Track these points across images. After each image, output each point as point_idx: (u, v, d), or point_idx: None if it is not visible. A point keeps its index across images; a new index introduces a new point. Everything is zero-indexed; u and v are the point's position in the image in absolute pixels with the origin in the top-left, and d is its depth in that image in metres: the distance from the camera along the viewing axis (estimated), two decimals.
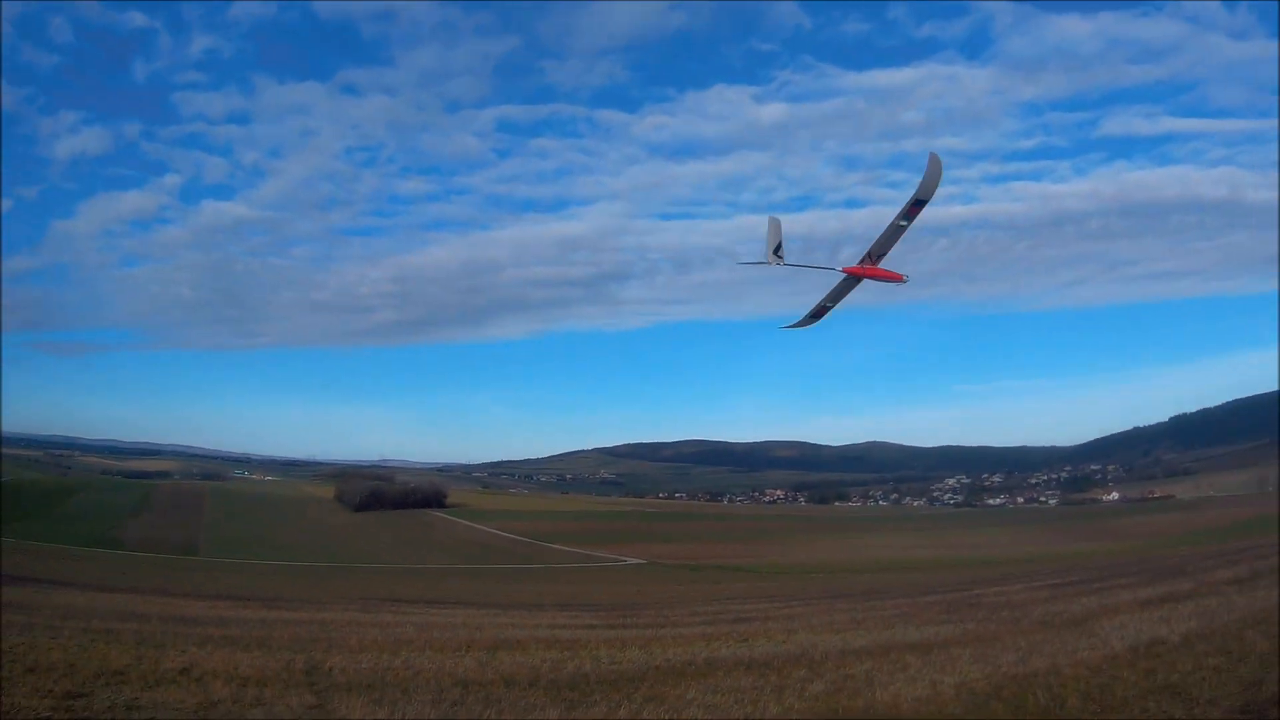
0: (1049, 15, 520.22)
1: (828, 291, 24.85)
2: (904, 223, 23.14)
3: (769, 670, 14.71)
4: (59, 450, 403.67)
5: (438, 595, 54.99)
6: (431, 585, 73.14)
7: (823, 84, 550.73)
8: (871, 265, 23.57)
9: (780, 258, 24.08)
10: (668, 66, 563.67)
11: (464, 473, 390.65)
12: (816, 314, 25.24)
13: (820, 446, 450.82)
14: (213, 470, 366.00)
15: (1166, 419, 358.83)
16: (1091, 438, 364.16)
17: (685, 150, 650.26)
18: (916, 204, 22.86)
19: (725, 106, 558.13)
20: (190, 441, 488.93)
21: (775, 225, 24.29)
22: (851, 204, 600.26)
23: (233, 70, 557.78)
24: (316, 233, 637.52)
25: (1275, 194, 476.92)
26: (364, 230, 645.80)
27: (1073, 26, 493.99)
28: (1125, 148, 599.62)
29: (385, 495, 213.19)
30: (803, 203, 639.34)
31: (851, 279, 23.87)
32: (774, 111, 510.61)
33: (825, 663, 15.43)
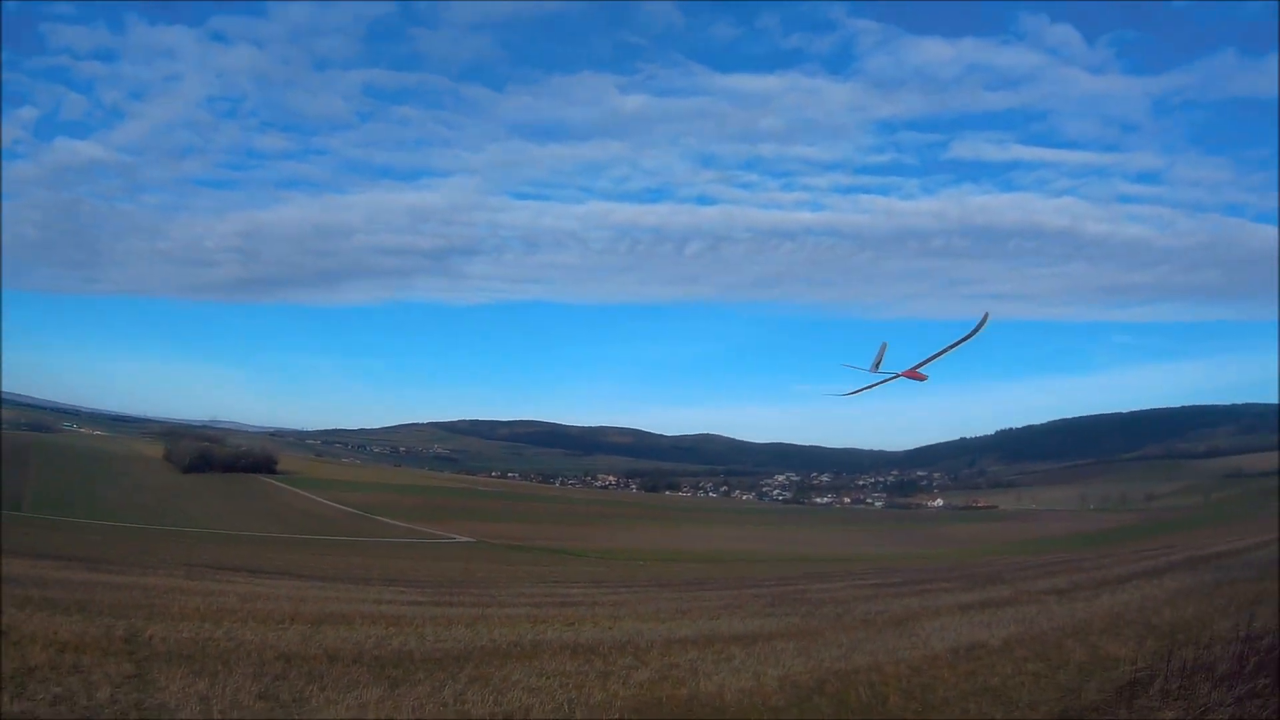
0: (913, 37, 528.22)
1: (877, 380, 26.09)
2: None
3: (594, 655, 14.66)
4: None
5: (264, 564, 53.90)
6: (258, 554, 71.63)
7: (687, 81, 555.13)
8: (912, 370, 25.21)
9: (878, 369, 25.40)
10: (537, 48, 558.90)
11: (297, 439, 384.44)
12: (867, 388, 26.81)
13: (655, 435, 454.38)
14: (41, 421, 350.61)
15: (993, 432, 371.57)
16: (920, 445, 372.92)
17: (546, 133, 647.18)
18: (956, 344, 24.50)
19: (590, 93, 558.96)
20: (21, 390, 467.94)
21: (883, 347, 25.46)
22: (703, 200, 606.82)
23: (105, 6, 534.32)
24: (169, 181, 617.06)
25: (1111, 228, 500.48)
26: (217, 183, 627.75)
27: (934, 50, 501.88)
28: (974, 171, 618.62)
29: (215, 457, 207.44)
30: (656, 195, 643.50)
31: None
32: (637, 103, 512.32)
33: (650, 651, 15.47)
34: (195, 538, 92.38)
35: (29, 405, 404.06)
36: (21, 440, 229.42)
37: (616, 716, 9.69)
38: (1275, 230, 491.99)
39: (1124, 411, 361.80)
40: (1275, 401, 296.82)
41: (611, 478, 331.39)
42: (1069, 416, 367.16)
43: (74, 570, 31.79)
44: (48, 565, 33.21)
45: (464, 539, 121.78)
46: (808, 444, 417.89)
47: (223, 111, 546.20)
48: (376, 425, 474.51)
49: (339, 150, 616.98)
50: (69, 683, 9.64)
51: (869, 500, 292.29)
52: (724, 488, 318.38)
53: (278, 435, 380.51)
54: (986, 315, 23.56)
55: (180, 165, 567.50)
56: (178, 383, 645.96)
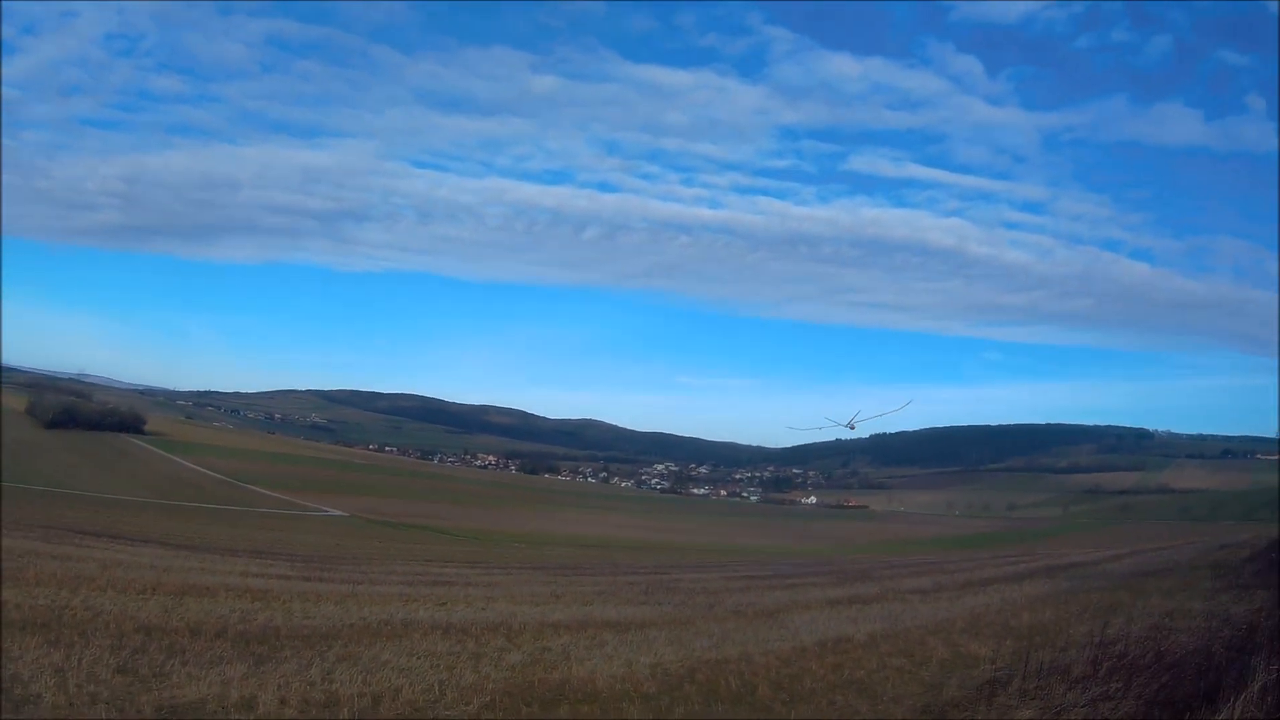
0: (823, 50, 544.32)
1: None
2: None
3: (467, 637, 14.58)
4: None
5: (126, 530, 52.73)
6: (121, 518, 70.08)
7: (599, 68, 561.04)
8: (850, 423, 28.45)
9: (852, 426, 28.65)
10: (452, 17, 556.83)
11: (167, 399, 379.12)
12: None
13: (536, 417, 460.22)
14: None
15: (866, 436, 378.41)
16: (797, 444, 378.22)
17: (451, 103, 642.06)
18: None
19: (501, 69, 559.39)
20: None
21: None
22: (604, 187, 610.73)
23: None
24: (55, 119, 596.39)
25: (994, 250, 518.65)
26: (105, 123, 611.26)
27: (843, 65, 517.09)
28: (868, 184, 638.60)
29: (81, 413, 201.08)
30: (558, 177, 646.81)
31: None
32: (547, 83, 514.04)
33: (523, 633, 15.41)
34: (55, 498, 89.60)
35: None
36: None
37: (488, 699, 9.54)
38: (1146, 267, 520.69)
39: (991, 424, 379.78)
40: (1133, 425, 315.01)
41: (491, 458, 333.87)
42: (940, 425, 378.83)
43: None
44: None
45: (337, 512, 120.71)
46: (688, 435, 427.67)
47: (119, 50, 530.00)
48: (252, 389, 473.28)
49: (235, 99, 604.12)
50: None
51: (745, 494, 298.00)
52: (603, 474, 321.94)
53: (148, 394, 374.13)
54: (910, 401, 25.90)
55: (68, 103, 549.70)
56: (46, 331, 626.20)
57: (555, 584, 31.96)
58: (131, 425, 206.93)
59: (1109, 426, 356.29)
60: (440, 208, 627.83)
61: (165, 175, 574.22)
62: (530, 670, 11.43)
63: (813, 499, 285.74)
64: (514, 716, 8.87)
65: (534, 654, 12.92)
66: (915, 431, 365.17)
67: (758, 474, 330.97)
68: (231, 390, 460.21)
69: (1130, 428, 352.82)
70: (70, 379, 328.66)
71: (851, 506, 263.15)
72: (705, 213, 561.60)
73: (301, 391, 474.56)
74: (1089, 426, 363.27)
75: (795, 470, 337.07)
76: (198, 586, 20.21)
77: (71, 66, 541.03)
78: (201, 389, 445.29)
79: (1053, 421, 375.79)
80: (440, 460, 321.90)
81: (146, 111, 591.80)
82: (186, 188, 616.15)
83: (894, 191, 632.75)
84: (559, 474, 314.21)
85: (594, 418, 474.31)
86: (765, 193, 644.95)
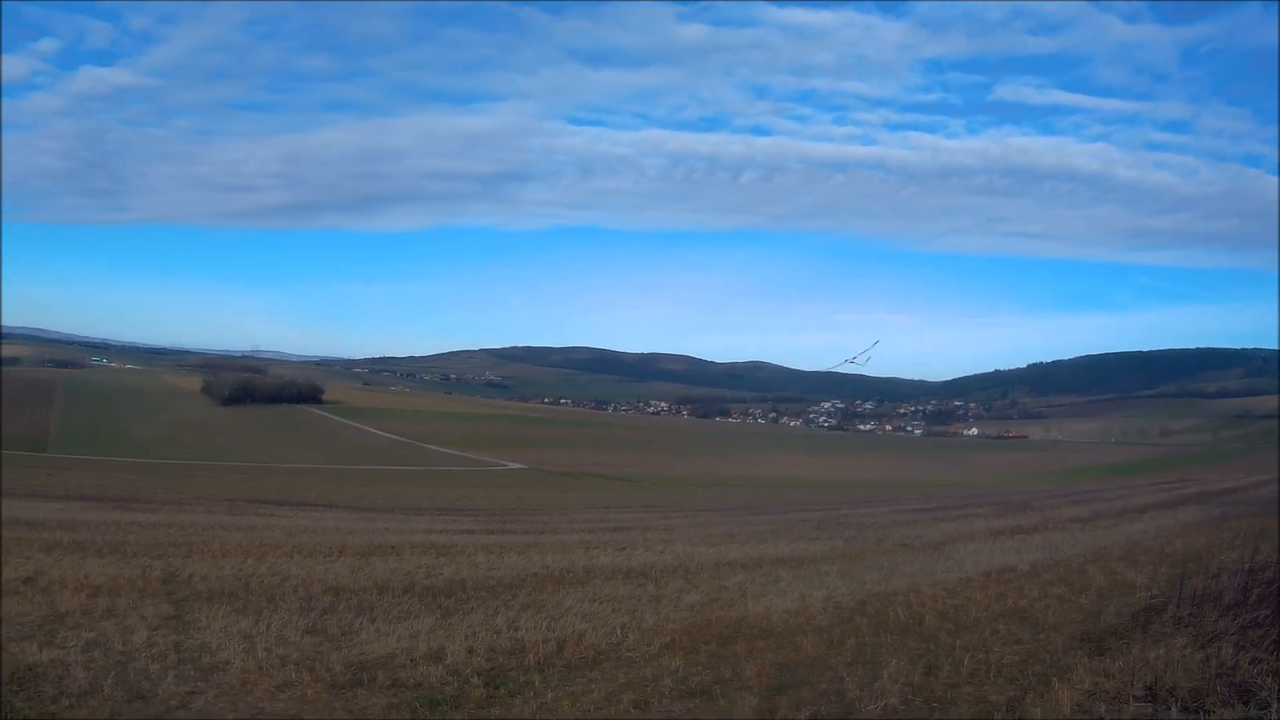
0: None
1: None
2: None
3: (646, 580, 14.64)
4: None
5: (310, 497, 53.69)
6: (303, 486, 71.19)
7: (744, 13, 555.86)
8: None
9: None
10: None
11: (344, 368, 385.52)
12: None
13: (706, 362, 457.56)
14: (67, 357, 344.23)
15: (1024, 365, 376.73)
16: (956, 376, 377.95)
17: (601, 58, 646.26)
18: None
19: (647, 20, 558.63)
20: (44, 324, 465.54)
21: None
22: (758, 131, 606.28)
23: None
24: (203, 105, 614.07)
25: (1139, 174, 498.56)
26: (256, 105, 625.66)
27: None
28: (1015, 114, 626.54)
29: (257, 389, 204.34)
30: (711, 124, 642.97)
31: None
32: (694, 32, 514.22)
33: (701, 574, 15.41)
34: (236, 472, 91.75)
35: (53, 341, 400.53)
36: (45, 377, 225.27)
37: (668, 639, 9.56)
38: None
39: (1143, 350, 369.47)
40: (1277, 348, 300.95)
41: (663, 404, 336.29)
42: (1094, 353, 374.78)
43: (105, 511, 31.12)
44: (77, 507, 32.68)
45: (516, 466, 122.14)
46: (852, 373, 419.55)
47: (261, 33, 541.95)
48: (426, 352, 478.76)
49: (386, 72, 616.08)
50: (102, 627, 9.44)
51: (909, 428, 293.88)
52: (772, 414, 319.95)
53: (323, 364, 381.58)
54: (878, 341, 26.33)
55: (215, 89, 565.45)
56: (217, 313, 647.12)
57: (730, 524, 32.02)
58: (309, 396, 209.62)
59: (1256, 350, 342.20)
60: (600, 162, 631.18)
61: (325, 152, 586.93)
62: (708, 609, 11.46)
63: (974, 431, 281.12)
64: (693, 655, 8.83)
65: (711, 593, 12.95)
66: (1070, 360, 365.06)
67: (920, 408, 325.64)
68: (406, 355, 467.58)
69: (1274, 350, 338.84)
70: (244, 356, 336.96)
71: (1011, 437, 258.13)
72: (858, 150, 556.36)
73: (475, 351, 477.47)
74: (1237, 350, 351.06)
75: (956, 403, 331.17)
76: (384, 546, 20.47)
77: (215, 52, 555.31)
78: (377, 356, 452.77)
79: (1202, 346, 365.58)
80: (614, 409, 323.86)
81: (298, 92, 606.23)
82: (347, 162, 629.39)
83: (1039, 119, 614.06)
84: (730, 417, 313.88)
85: (761, 359, 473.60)
86: (915, 128, 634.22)
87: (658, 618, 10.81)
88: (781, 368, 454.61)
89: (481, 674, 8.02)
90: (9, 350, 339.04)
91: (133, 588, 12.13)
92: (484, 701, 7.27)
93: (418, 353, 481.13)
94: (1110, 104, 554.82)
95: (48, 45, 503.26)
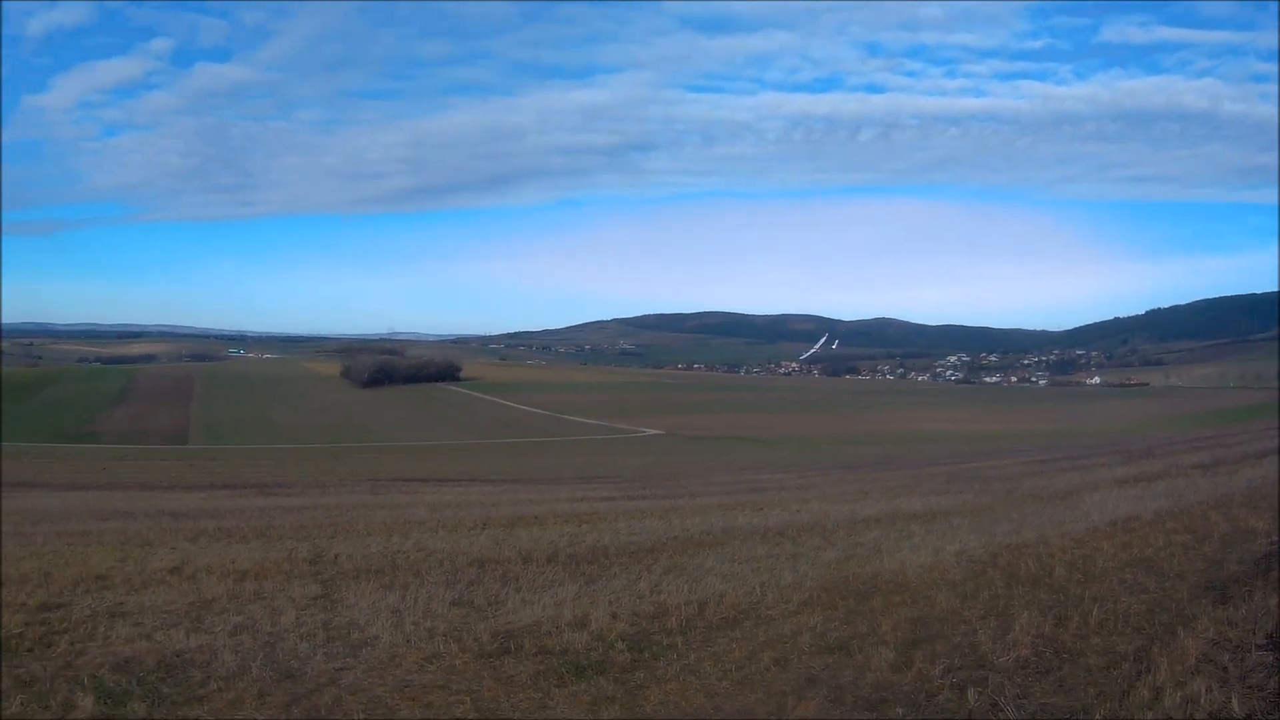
0: None
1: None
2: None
3: (784, 539, 14.68)
4: (27, 338, 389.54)
5: (452, 473, 54.54)
6: (445, 462, 72.38)
7: None
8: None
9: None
10: None
11: (480, 345, 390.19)
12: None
13: (834, 321, 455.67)
14: (204, 350, 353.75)
15: (1143, 312, 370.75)
16: (1077, 325, 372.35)
17: (714, 25, 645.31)
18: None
19: None
20: (179, 321, 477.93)
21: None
22: (872, 89, 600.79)
23: None
24: (324, 95, 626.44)
25: (1246, 108, 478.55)
26: (377, 93, 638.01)
27: None
28: (1121, 55, 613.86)
29: (395, 370, 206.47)
30: (827, 84, 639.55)
31: None
32: None
33: (837, 531, 15.51)
34: (378, 452, 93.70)
35: (190, 336, 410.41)
36: (184, 371, 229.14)
37: (806, 596, 9.59)
38: None
39: (1258, 292, 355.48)
40: None
41: (794, 364, 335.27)
42: (1210, 297, 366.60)
43: (250, 498, 31.96)
44: (221, 495, 33.40)
45: (653, 432, 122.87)
46: (976, 325, 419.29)
47: (377, 21, 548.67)
48: (560, 325, 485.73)
49: (504, 52, 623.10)
50: (250, 610, 9.62)
51: (1033, 378, 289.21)
52: (900, 370, 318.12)
53: (460, 342, 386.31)
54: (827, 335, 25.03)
55: (335, 79, 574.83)
56: (352, 298, 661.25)
57: (863, 481, 32.12)
58: (447, 374, 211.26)
59: None
60: (720, 128, 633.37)
61: (448, 135, 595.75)
62: (844, 565, 11.49)
63: (1096, 379, 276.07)
64: (831, 611, 8.85)
65: (847, 550, 13.01)
66: (1187, 305, 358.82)
67: (1044, 358, 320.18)
68: (541, 329, 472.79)
69: None
70: (381, 339, 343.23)
71: (1133, 385, 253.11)
72: (970, 102, 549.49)
73: (608, 321, 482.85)
74: None
75: (1079, 352, 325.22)
76: (527, 517, 20.81)
77: (331, 43, 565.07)
78: (512, 331, 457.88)
79: None
80: (746, 372, 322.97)
81: (418, 77, 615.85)
82: (471, 143, 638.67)
83: (1146, 58, 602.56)
84: (859, 374, 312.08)
85: (888, 316, 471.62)
86: (1024, 76, 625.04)
87: (796, 576, 10.86)
88: (907, 323, 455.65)
89: (625, 638, 8.08)
90: (145, 348, 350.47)
91: (279, 570, 12.36)
92: (628, 665, 7.33)
93: (552, 326, 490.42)
94: (1214, 36, 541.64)
95: (161, 44, 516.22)
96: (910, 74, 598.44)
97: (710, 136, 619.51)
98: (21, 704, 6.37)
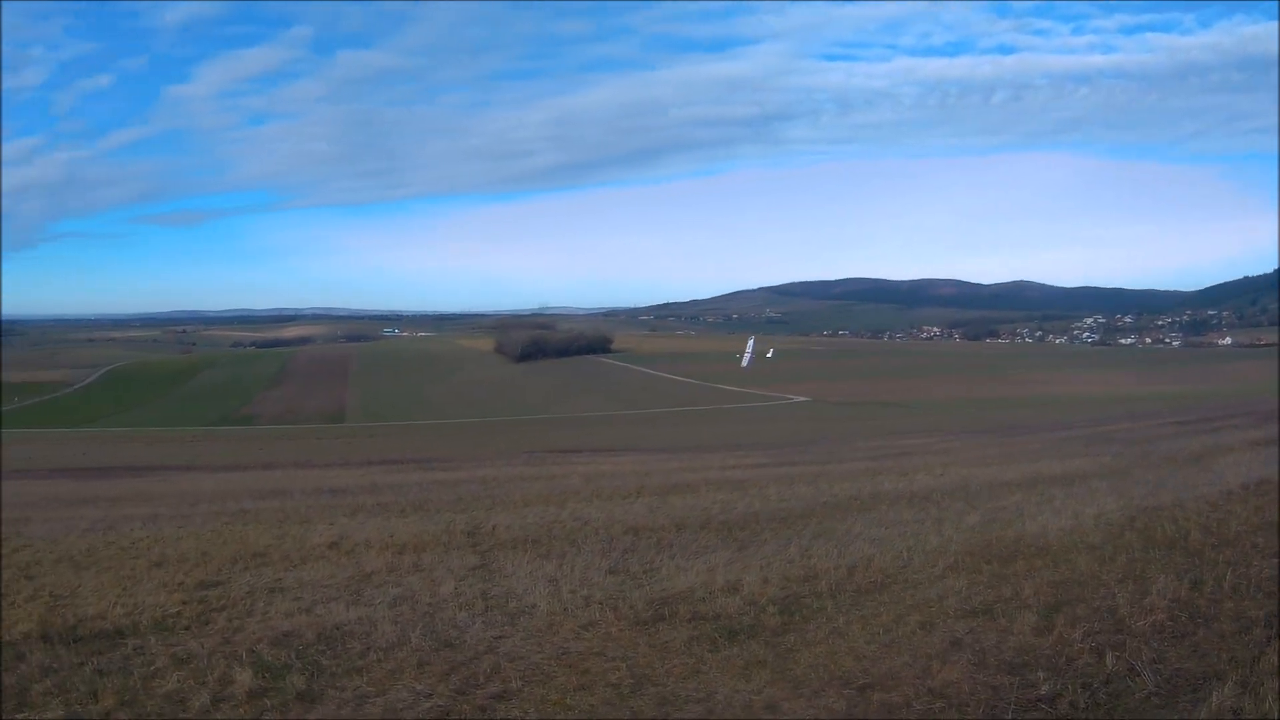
0: None
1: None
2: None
3: (929, 503, 14.70)
4: (180, 326, 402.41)
5: (605, 443, 55.19)
6: (599, 433, 73.42)
7: None
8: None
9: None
10: None
11: (629, 316, 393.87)
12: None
13: (974, 285, 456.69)
14: (359, 331, 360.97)
15: (1273, 270, 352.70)
16: (1210, 284, 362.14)
17: None
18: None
19: None
20: (333, 303, 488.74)
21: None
22: (1003, 50, 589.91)
23: None
24: (467, 78, 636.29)
25: None
26: (520, 74, 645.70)
27: None
28: None
29: (548, 344, 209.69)
30: (958, 48, 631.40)
31: None
32: None
33: (979, 495, 15.50)
34: (533, 424, 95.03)
35: (343, 318, 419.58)
36: (339, 352, 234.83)
37: (951, 560, 9.60)
38: None
39: None
40: None
41: (935, 329, 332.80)
42: None
43: (407, 472, 32.59)
44: (378, 471, 34.12)
45: (800, 399, 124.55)
46: (1110, 286, 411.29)
47: (516, 2, 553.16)
48: (707, 295, 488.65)
49: (642, 28, 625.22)
50: (409, 582, 9.75)
51: (1167, 340, 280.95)
52: (1038, 333, 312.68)
53: (610, 315, 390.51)
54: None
55: (478, 62, 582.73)
56: (502, 275, 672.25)
57: (1004, 444, 31.99)
58: (598, 346, 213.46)
59: None
60: (857, 96, 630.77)
61: (591, 112, 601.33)
62: (987, 529, 11.46)
63: (1228, 340, 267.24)
64: (975, 575, 8.85)
65: (990, 513, 12.97)
66: None
67: (1176, 319, 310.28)
68: (689, 299, 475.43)
69: None
70: (532, 314, 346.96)
71: (1263, 345, 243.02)
72: (1098, 59, 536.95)
73: (754, 290, 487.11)
74: None
75: (1210, 312, 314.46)
76: (680, 485, 21.11)
77: (472, 27, 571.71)
78: (661, 302, 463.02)
79: None
80: (889, 337, 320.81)
81: (560, 56, 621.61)
82: (614, 119, 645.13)
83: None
84: (999, 338, 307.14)
85: (1025, 279, 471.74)
86: (1150, 28, 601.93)
87: (940, 540, 10.86)
88: (1044, 285, 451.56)
89: (776, 603, 8.13)
90: (300, 331, 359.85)
91: (438, 543, 12.57)
92: (779, 629, 7.38)
93: (699, 296, 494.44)
94: None
95: (300, 33, 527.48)
96: (1039, 33, 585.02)
97: (847, 104, 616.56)
98: (178, 681, 6.53)
